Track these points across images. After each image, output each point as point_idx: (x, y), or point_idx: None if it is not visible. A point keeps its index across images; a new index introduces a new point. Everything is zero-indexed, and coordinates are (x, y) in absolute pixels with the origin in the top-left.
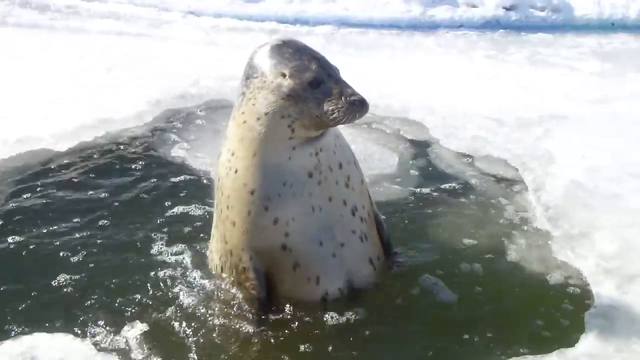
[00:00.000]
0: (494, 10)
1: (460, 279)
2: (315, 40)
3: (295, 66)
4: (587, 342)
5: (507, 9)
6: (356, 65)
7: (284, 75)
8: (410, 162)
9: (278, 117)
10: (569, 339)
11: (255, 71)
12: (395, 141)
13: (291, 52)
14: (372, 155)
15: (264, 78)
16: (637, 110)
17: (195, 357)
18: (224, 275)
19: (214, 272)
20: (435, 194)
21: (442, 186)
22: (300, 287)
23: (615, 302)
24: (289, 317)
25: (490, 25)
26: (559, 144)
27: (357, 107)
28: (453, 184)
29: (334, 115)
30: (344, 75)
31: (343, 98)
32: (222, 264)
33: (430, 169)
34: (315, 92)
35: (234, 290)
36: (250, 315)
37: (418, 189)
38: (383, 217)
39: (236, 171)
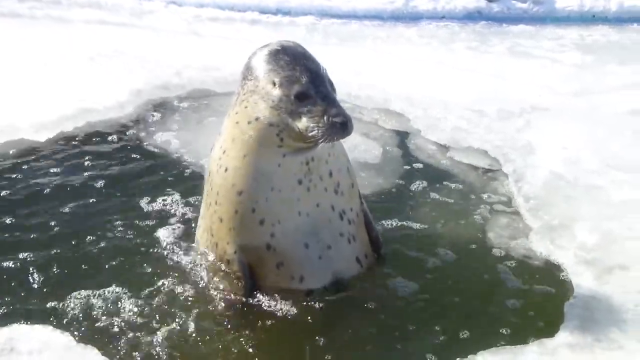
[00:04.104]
0: (476, 2)
1: (441, 271)
2: (297, 30)
3: (286, 76)
4: (567, 333)
5: (489, 0)
6: (338, 56)
7: (274, 83)
8: (393, 153)
9: (267, 125)
10: (548, 330)
11: (250, 73)
12: (378, 132)
13: (287, 60)
14: (357, 145)
15: (256, 82)
16: (617, 102)
17: (177, 346)
18: (208, 262)
19: (198, 261)
20: (416, 184)
21: (423, 177)
22: (284, 284)
23: (595, 293)
24: (272, 310)
25: (472, 16)
26: (540, 136)
27: (336, 129)
28: (434, 175)
29: (312, 133)
30: (327, 65)
31: (325, 117)
32: (209, 254)
33: (411, 159)
34: (300, 106)
35: (218, 279)
36: (235, 302)
37: (400, 180)
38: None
39: (226, 169)
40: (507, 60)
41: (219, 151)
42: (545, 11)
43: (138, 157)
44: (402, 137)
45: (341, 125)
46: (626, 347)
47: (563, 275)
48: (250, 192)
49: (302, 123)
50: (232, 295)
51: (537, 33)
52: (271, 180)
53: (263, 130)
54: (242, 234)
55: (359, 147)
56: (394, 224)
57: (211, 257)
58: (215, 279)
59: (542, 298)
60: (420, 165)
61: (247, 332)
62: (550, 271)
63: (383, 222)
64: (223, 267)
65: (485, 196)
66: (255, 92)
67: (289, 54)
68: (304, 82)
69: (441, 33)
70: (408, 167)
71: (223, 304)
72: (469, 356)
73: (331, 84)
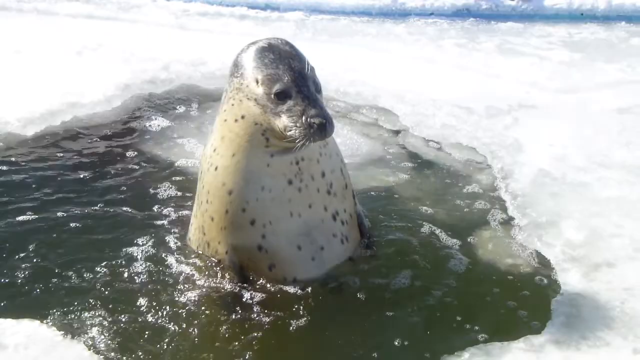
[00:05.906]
0: None
1: (429, 267)
2: (286, 26)
3: (269, 74)
4: (553, 330)
5: None
6: (327, 52)
7: (257, 81)
8: (381, 149)
9: (252, 123)
10: (535, 327)
11: (237, 71)
12: (367, 128)
13: (272, 58)
14: (345, 140)
15: (242, 80)
16: (605, 100)
17: (163, 342)
18: (200, 261)
19: (191, 259)
20: (403, 181)
21: (411, 174)
22: (276, 284)
23: (581, 290)
24: (264, 309)
25: (460, 13)
26: (528, 133)
27: (314, 130)
28: (421, 172)
29: (290, 132)
30: (316, 61)
31: (303, 117)
32: (201, 253)
33: (399, 156)
34: (280, 104)
35: (210, 278)
36: (227, 300)
37: (387, 176)
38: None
39: (216, 168)
40: (495, 58)
41: (210, 149)
42: (534, 9)
43: (125, 152)
44: (391, 133)
45: (319, 127)
46: (612, 344)
47: (549, 272)
48: (240, 192)
49: (282, 122)
50: (223, 294)
51: (525, 30)
52: (261, 180)
53: (249, 129)
54: (233, 234)
55: (347, 142)
56: (382, 219)
57: (203, 256)
58: (207, 278)
59: (528, 295)
60: (408, 162)
61: (238, 331)
62: (537, 268)
63: (372, 217)
64: (215, 266)
65: (472, 193)
66: (241, 90)
67: (274, 52)
68: (286, 80)
69: (430, 30)
70: (396, 164)
71: (214, 303)
72: (455, 352)
73: (316, 85)
